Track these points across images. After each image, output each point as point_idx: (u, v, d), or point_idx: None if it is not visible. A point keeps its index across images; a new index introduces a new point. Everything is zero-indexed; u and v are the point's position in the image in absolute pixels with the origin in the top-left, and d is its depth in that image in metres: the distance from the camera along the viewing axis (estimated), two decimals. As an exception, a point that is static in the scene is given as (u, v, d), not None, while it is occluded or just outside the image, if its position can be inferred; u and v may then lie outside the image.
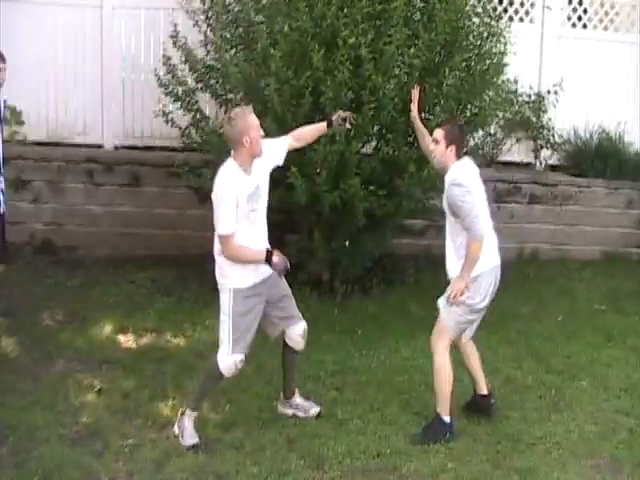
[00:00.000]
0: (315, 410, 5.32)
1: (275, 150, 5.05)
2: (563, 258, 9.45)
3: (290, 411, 5.33)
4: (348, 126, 5.41)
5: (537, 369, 6.28)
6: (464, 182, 4.97)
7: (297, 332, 5.16)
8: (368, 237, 7.43)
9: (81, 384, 5.65)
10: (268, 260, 4.73)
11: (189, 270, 8.11)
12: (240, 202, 4.72)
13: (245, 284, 4.85)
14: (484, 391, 5.38)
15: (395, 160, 7.03)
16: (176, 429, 4.97)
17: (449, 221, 5.09)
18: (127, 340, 6.48)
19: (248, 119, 4.75)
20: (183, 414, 4.98)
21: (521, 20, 9.63)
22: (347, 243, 7.44)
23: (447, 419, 5.05)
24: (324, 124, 5.38)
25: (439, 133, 5.14)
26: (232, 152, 4.83)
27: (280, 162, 5.17)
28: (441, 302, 5.10)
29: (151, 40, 8.94)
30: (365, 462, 4.75)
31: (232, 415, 5.25)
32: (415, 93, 5.87)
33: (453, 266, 5.06)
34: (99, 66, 8.96)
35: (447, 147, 5.06)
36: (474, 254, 4.86)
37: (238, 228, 4.73)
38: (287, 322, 5.14)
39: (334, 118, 5.32)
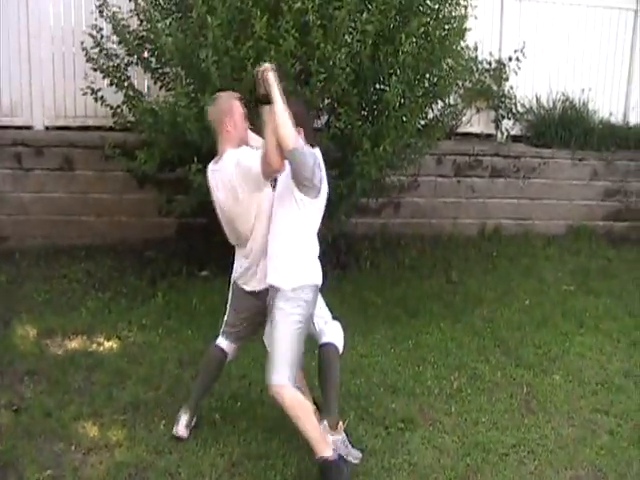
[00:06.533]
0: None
1: None
2: (527, 234, 9.04)
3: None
4: None
5: (506, 363, 5.80)
6: None
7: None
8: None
9: (-2, 402, 4.98)
10: None
11: (127, 260, 7.54)
12: None
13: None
14: None
15: (348, 136, 6.51)
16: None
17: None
18: (54, 345, 5.79)
19: (233, 103, 4.42)
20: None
21: (480, -17, 9.03)
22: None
23: (331, 454, 4.09)
24: None
25: None
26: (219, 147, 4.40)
27: None
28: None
29: (82, 10, 8.14)
30: (317, 486, 4.11)
31: (167, 434, 4.60)
32: None
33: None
34: (26, 39, 8.18)
35: None
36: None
37: None
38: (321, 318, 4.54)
39: None
